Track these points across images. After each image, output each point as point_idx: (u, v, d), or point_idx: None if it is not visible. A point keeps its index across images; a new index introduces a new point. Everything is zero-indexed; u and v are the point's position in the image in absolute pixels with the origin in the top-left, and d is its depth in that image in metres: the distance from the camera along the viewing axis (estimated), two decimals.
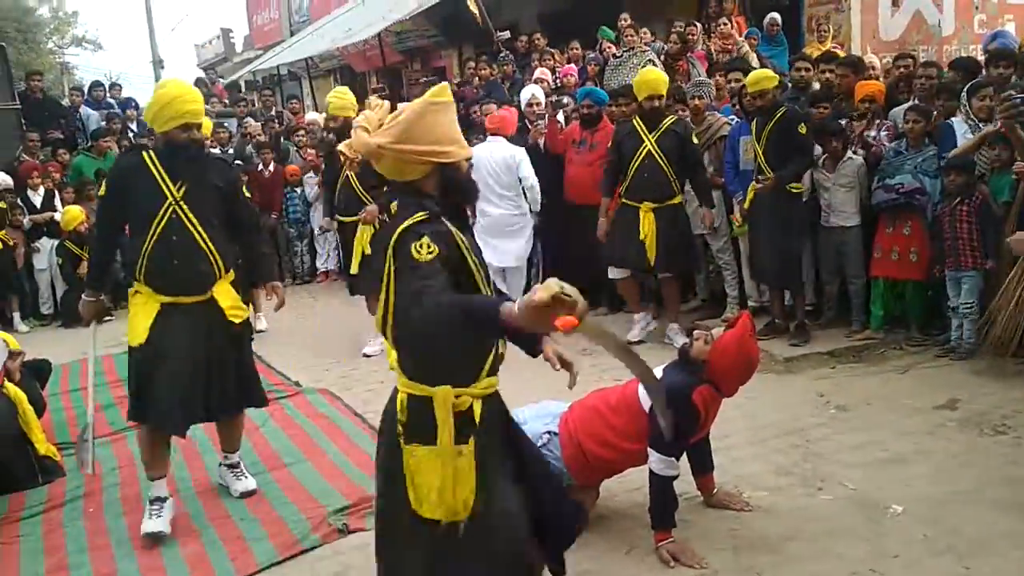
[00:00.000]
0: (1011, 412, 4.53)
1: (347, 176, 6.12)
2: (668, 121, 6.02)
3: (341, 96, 6.54)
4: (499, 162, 6.62)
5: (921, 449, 4.18)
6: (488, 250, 6.57)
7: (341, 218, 6.39)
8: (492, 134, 6.78)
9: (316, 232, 9.83)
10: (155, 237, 3.63)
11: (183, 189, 3.66)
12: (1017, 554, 3.18)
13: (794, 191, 5.87)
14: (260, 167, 9.53)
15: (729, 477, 3.89)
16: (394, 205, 2.41)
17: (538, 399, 3.65)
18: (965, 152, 5.40)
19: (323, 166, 7.72)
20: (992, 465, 3.95)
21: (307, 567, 3.46)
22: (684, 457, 3.40)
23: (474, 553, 2.36)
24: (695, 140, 6.21)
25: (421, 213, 2.27)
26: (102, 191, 3.86)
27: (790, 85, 7.10)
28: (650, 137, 5.98)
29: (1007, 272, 5.19)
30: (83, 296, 3.94)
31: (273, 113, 11.63)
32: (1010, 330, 5.07)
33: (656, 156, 5.94)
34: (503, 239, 6.72)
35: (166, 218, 3.64)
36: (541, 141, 7.18)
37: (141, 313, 3.69)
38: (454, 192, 2.39)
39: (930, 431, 4.40)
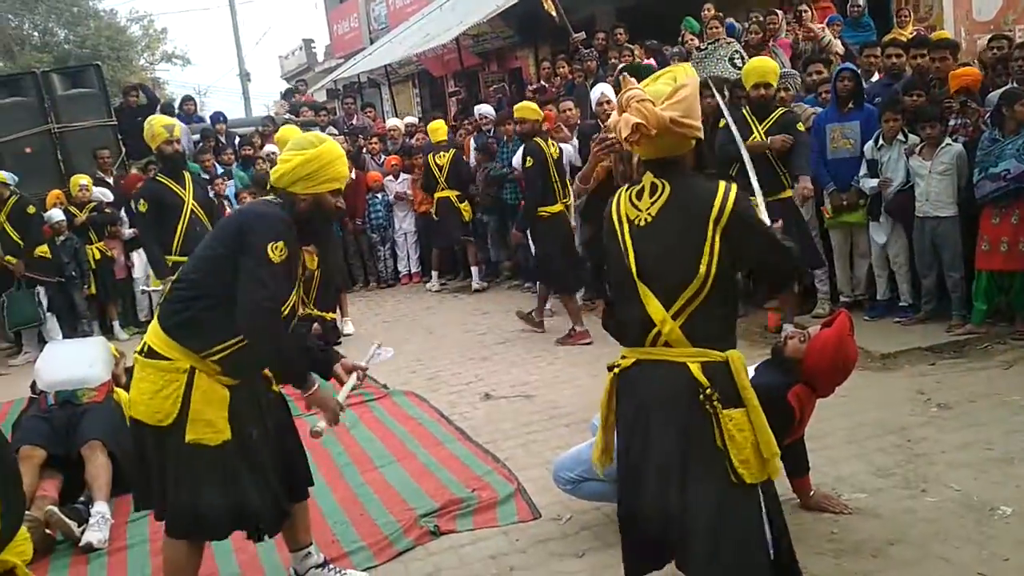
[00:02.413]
0: None
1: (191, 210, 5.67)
2: (778, 113, 5.91)
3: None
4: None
5: None
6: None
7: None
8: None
9: (397, 236, 10.03)
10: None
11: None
12: None
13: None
14: None
15: (827, 479, 3.78)
16: (649, 177, 2.50)
17: None
18: None
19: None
20: None
21: (400, 568, 3.51)
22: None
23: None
24: (801, 128, 6.01)
25: (725, 181, 2.45)
26: (278, 253, 2.80)
27: (880, 72, 6.87)
28: (759, 128, 5.85)
29: None
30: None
31: (355, 122, 11.81)
32: None
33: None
34: None
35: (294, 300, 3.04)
36: None
37: (212, 400, 2.88)
38: (704, 164, 2.58)
39: None
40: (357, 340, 7.48)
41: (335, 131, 10.83)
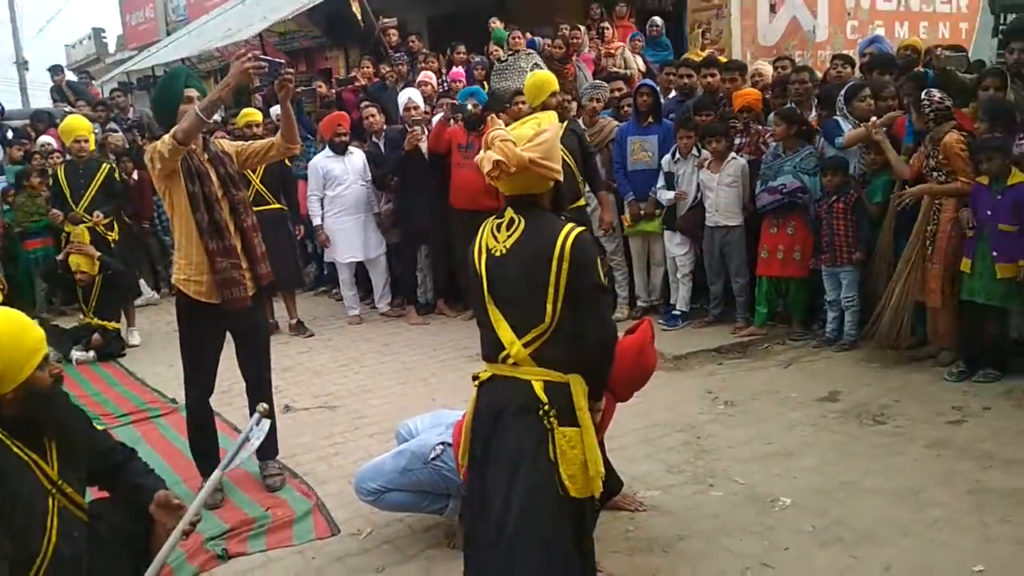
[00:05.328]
0: (889, 402, 4.69)
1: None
2: (566, 122, 5.94)
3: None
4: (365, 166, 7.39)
5: (806, 441, 4.27)
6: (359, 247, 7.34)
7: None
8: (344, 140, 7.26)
9: None
10: None
11: None
12: (903, 542, 3.27)
13: None
14: (125, 176, 8.97)
15: (623, 478, 3.84)
16: (510, 212, 2.66)
17: (432, 407, 3.54)
18: (855, 141, 5.59)
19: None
20: (873, 455, 4.06)
21: None
22: None
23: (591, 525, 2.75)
24: (587, 139, 6.25)
25: (572, 224, 2.59)
26: None
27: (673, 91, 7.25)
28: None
29: (881, 267, 5.43)
30: None
31: (131, 116, 11.04)
32: (896, 323, 5.23)
33: (566, 157, 5.34)
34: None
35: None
36: (424, 146, 6.99)
37: None
38: (561, 206, 2.75)
39: (813, 423, 4.50)
40: (145, 349, 6.96)
41: (116, 127, 10.07)
